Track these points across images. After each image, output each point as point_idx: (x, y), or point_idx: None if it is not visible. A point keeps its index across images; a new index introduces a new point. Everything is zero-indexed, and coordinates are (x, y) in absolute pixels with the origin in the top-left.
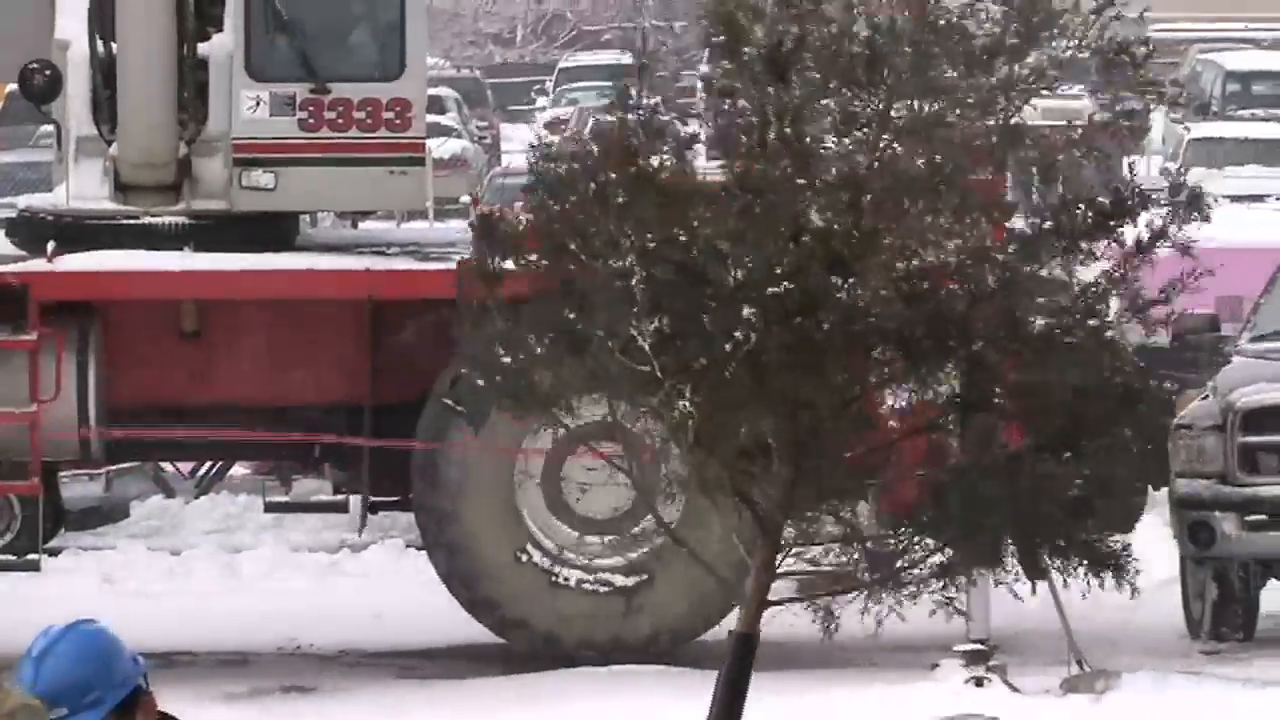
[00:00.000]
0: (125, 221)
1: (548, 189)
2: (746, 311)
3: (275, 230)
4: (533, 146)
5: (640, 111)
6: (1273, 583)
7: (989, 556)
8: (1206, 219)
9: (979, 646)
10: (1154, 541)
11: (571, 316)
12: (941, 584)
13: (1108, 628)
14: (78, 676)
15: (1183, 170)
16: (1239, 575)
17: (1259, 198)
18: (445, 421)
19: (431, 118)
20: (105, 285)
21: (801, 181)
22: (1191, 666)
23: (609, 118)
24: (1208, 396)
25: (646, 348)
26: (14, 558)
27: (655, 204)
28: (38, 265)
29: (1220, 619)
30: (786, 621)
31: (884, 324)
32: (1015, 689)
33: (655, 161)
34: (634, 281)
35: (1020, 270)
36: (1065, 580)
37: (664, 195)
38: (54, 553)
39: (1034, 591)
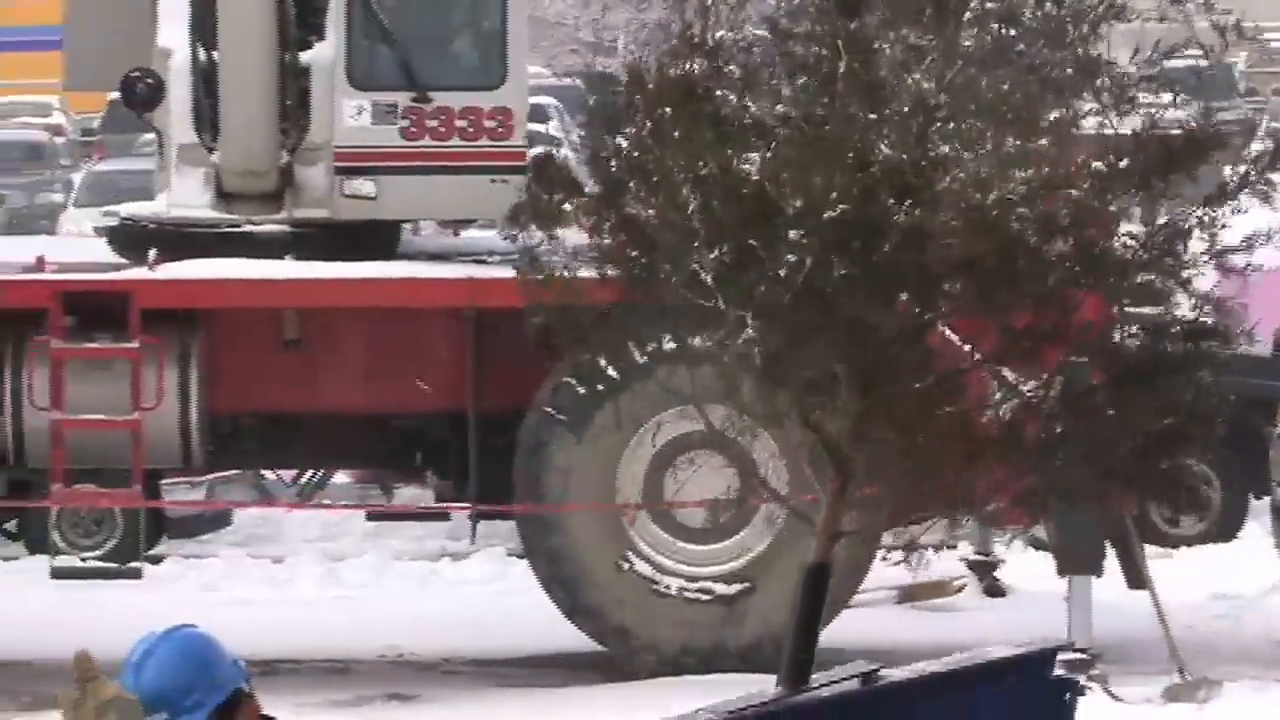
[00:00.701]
0: (227, 229)
1: (604, 123)
2: (800, 238)
3: (377, 239)
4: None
5: (703, 48)
6: None
7: (1064, 488)
8: None
9: (1081, 655)
10: (1257, 551)
11: (635, 253)
12: (1018, 512)
13: (1210, 636)
14: (177, 680)
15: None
16: None
17: None
18: (547, 430)
19: (533, 126)
20: (207, 293)
21: (873, 116)
22: None
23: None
24: None
25: (709, 281)
26: (115, 565)
27: (713, 138)
28: (139, 273)
29: None
30: (875, 629)
31: (953, 254)
32: (1117, 698)
33: (717, 96)
34: (691, 213)
35: (1093, 205)
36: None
37: (723, 129)
38: (155, 560)
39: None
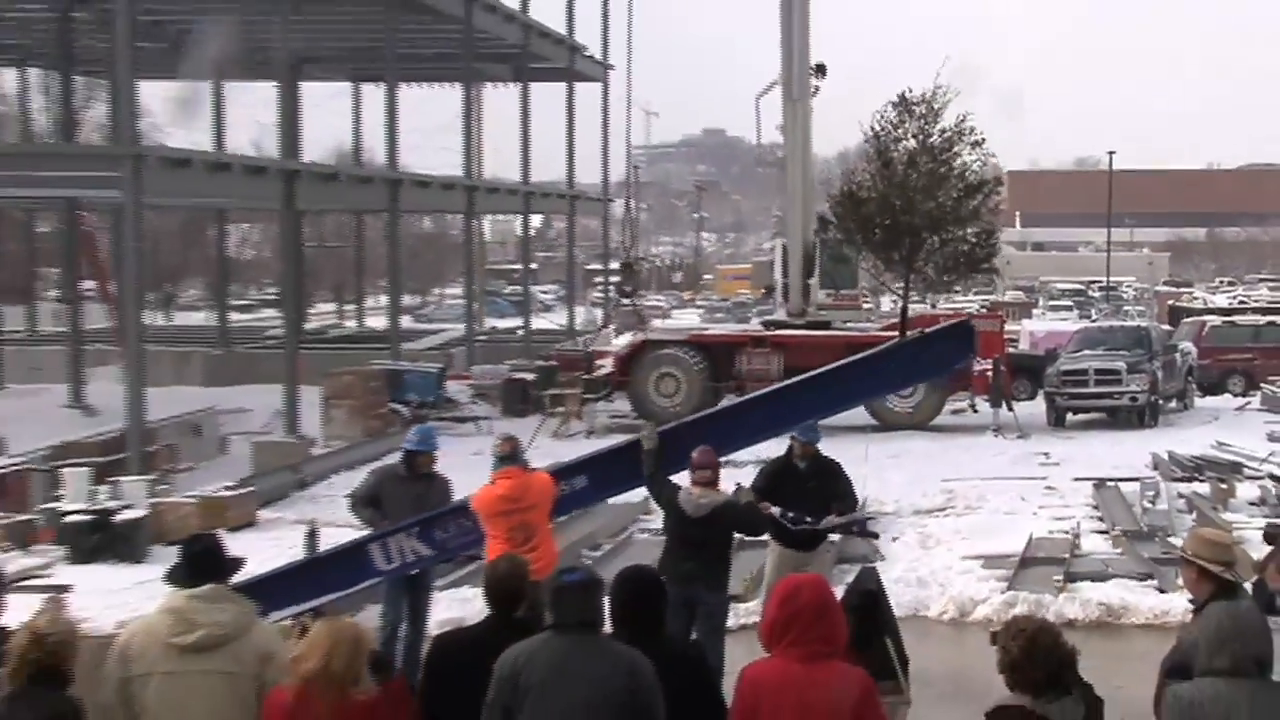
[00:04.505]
0: (789, 324)
1: (838, 203)
2: (887, 227)
3: (826, 325)
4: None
5: (853, 180)
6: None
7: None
8: (1000, 193)
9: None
10: (1040, 405)
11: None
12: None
13: (1027, 421)
14: None
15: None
16: (1062, 409)
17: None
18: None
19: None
20: (784, 340)
21: (897, 189)
22: (1055, 435)
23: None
24: (1054, 367)
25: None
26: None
27: (856, 202)
28: (769, 334)
29: (1055, 423)
30: None
31: (919, 223)
32: (1005, 438)
33: (860, 191)
34: (859, 222)
35: (958, 207)
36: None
37: (861, 200)
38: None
39: (1009, 409)
